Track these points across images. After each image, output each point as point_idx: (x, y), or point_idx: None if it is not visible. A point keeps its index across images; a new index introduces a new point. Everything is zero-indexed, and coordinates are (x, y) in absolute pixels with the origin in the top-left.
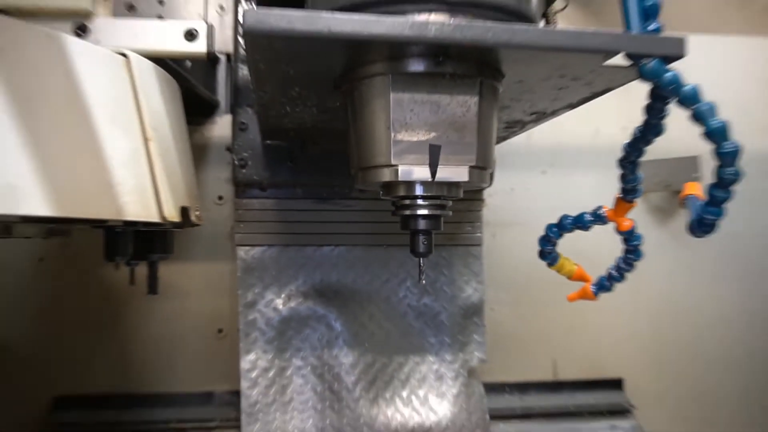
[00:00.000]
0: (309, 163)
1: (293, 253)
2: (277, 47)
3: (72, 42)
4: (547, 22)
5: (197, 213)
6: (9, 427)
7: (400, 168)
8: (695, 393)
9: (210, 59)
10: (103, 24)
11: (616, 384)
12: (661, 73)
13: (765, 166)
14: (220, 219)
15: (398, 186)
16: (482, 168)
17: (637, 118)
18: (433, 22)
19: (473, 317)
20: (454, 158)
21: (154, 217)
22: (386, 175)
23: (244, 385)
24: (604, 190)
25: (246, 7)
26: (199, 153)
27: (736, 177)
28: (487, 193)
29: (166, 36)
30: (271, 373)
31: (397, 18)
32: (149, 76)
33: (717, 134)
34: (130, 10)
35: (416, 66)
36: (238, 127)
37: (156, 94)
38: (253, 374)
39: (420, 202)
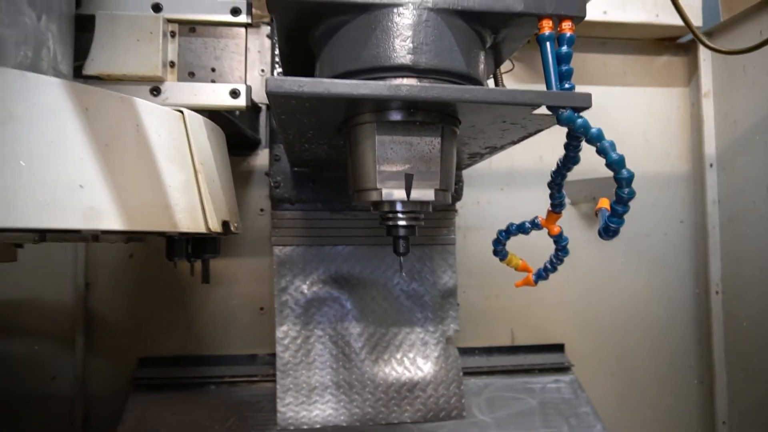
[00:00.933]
0: (325, 184)
1: (315, 251)
2: (292, 104)
3: (140, 103)
4: (495, 81)
5: (236, 225)
6: (105, 380)
7: (384, 191)
8: (618, 353)
9: (253, 109)
10: (171, 87)
11: (559, 348)
12: (573, 120)
13: (664, 183)
14: (261, 226)
15: (383, 204)
16: (444, 190)
17: None
18: (404, 85)
19: (449, 298)
20: (423, 183)
21: (201, 229)
22: (374, 196)
23: (278, 349)
24: (547, 202)
25: (278, 71)
26: (246, 177)
27: (631, 196)
28: (459, 205)
29: (217, 95)
30: (298, 340)
31: (378, 82)
32: (199, 125)
33: (616, 164)
34: (191, 76)
35: (395, 116)
36: (273, 159)
37: (204, 138)
38: (286, 341)
39: (399, 215)
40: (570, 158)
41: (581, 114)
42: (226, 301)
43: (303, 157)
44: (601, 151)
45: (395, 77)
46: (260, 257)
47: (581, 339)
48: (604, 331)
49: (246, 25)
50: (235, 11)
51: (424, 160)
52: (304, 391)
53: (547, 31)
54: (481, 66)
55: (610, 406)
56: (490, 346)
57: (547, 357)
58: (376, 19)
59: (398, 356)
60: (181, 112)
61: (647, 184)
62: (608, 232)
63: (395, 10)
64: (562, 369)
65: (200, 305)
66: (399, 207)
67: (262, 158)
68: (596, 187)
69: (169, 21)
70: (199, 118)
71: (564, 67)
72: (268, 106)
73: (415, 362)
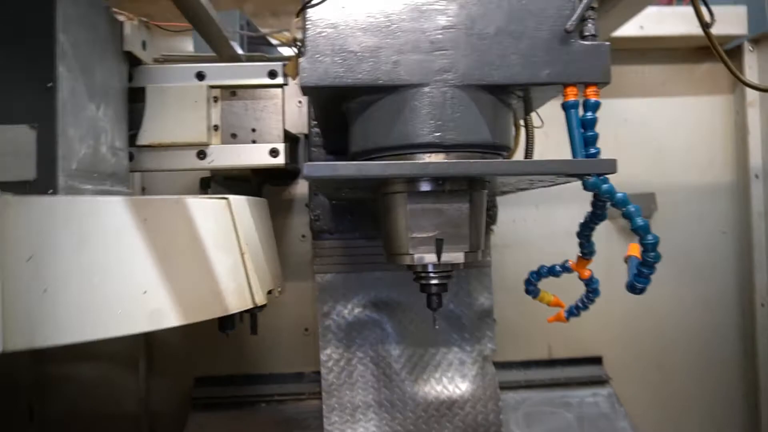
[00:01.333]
0: (362, 215)
1: (354, 277)
2: (328, 182)
3: (190, 203)
4: (526, 124)
5: (279, 290)
6: (166, 398)
7: (416, 256)
8: (657, 365)
9: (291, 140)
10: (216, 149)
11: (597, 360)
12: (598, 185)
13: (706, 193)
14: (303, 251)
15: (416, 266)
16: (474, 251)
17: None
18: (431, 163)
19: (486, 318)
20: (453, 247)
21: (248, 306)
22: (407, 260)
23: (323, 371)
24: (580, 217)
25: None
26: (287, 205)
27: (656, 260)
28: (496, 225)
29: (258, 154)
30: (341, 362)
31: (406, 162)
32: (243, 208)
33: (642, 229)
34: (234, 138)
35: (425, 187)
36: (312, 192)
37: (248, 219)
38: (329, 363)
39: (431, 275)
40: (597, 215)
41: (607, 179)
42: (273, 324)
43: (339, 198)
44: (626, 216)
45: (424, 153)
46: (303, 281)
47: (620, 351)
48: (643, 343)
49: (282, 86)
50: (272, 74)
51: (454, 225)
52: (348, 410)
53: (571, 99)
54: (508, 128)
55: (650, 420)
56: (527, 360)
57: (584, 370)
58: (404, 99)
59: (437, 376)
60: (227, 199)
61: (689, 195)
62: (635, 289)
63: (422, 90)
64: (600, 382)
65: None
66: (431, 268)
67: (302, 187)
68: (635, 203)
69: (212, 87)
70: (243, 201)
71: (589, 133)
72: (306, 136)
73: (453, 381)
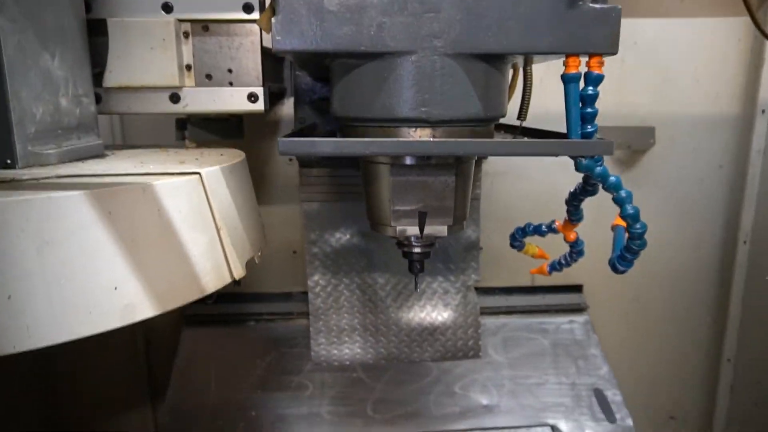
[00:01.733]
0: None
1: (341, 206)
2: (304, 156)
3: (158, 187)
4: (525, 77)
5: (259, 254)
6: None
7: (398, 228)
8: (636, 294)
9: (275, 60)
10: (189, 93)
11: (577, 289)
12: (592, 168)
13: (709, 126)
14: (291, 174)
15: (398, 237)
16: (459, 223)
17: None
18: (416, 141)
19: (472, 251)
20: (436, 220)
21: (227, 281)
22: (389, 231)
23: (310, 296)
24: None
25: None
26: (274, 126)
27: (642, 247)
28: None
29: (235, 99)
30: (329, 288)
31: (389, 139)
32: (217, 180)
33: (631, 217)
34: (209, 79)
35: (409, 160)
36: (298, 122)
37: (224, 190)
38: (317, 289)
39: (414, 244)
40: (588, 191)
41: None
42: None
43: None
44: (617, 201)
45: (409, 127)
46: (291, 204)
47: (600, 281)
48: (624, 274)
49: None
50: (248, 8)
51: (438, 198)
52: (334, 332)
53: (573, 71)
54: (502, 95)
55: (622, 348)
56: (510, 287)
57: (564, 297)
58: (388, 67)
59: (421, 303)
60: (199, 173)
61: (691, 129)
62: (616, 270)
63: (409, 59)
64: (578, 310)
65: None
66: (414, 239)
67: (288, 107)
68: (632, 136)
69: (181, 21)
70: (217, 172)
71: (588, 109)
72: None
73: (436, 308)
